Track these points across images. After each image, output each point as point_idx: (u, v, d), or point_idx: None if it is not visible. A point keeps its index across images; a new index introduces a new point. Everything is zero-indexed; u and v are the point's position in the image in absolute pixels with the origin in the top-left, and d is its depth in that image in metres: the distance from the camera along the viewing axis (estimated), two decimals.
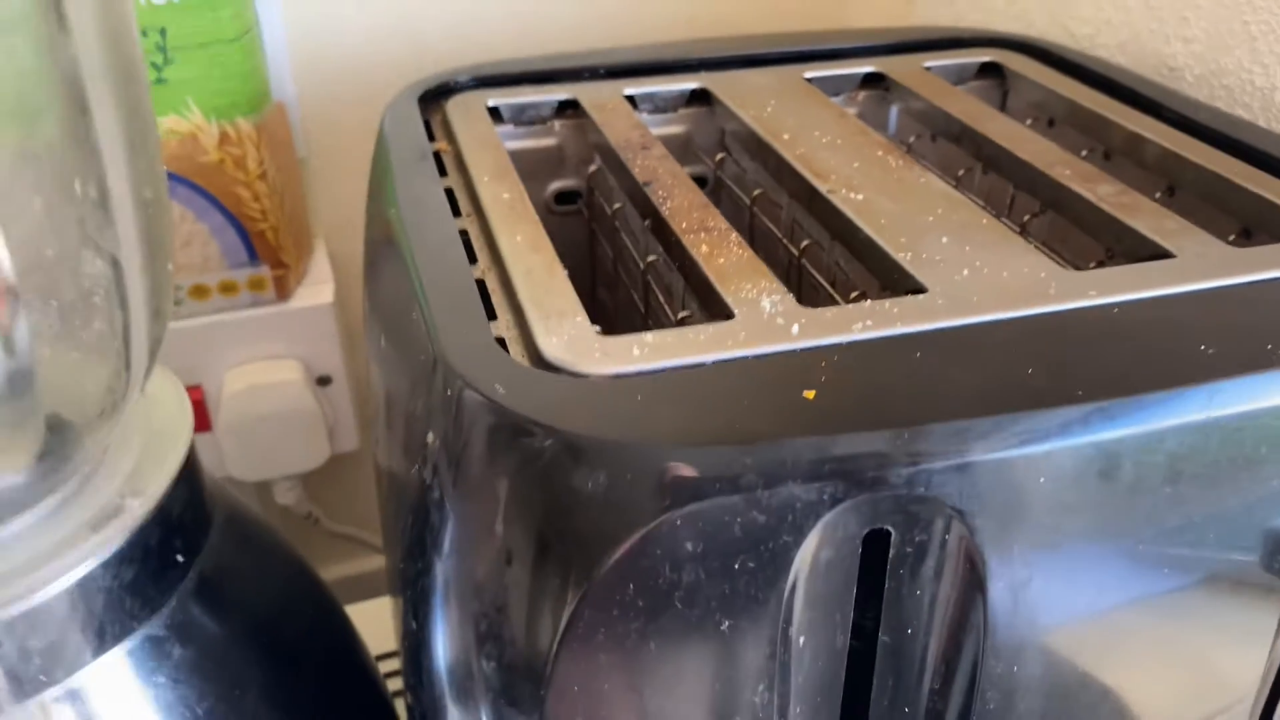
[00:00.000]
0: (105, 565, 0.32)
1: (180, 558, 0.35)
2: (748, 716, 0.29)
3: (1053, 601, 0.30)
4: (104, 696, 0.33)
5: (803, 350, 0.31)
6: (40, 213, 0.26)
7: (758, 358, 0.31)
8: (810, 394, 0.28)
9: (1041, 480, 0.28)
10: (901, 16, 0.78)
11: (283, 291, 0.66)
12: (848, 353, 0.30)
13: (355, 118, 0.71)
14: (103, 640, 0.33)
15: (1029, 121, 0.54)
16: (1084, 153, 0.49)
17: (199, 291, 0.64)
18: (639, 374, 0.30)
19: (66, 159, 0.27)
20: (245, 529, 0.41)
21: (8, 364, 0.26)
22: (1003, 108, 0.57)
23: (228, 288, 0.64)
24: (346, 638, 0.45)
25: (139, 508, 0.33)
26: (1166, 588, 0.31)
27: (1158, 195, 0.45)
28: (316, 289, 0.68)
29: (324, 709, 0.41)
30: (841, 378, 0.29)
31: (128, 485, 0.34)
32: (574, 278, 0.55)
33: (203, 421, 0.67)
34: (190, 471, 0.37)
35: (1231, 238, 0.42)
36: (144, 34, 0.55)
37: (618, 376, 0.30)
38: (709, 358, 0.31)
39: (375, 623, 0.52)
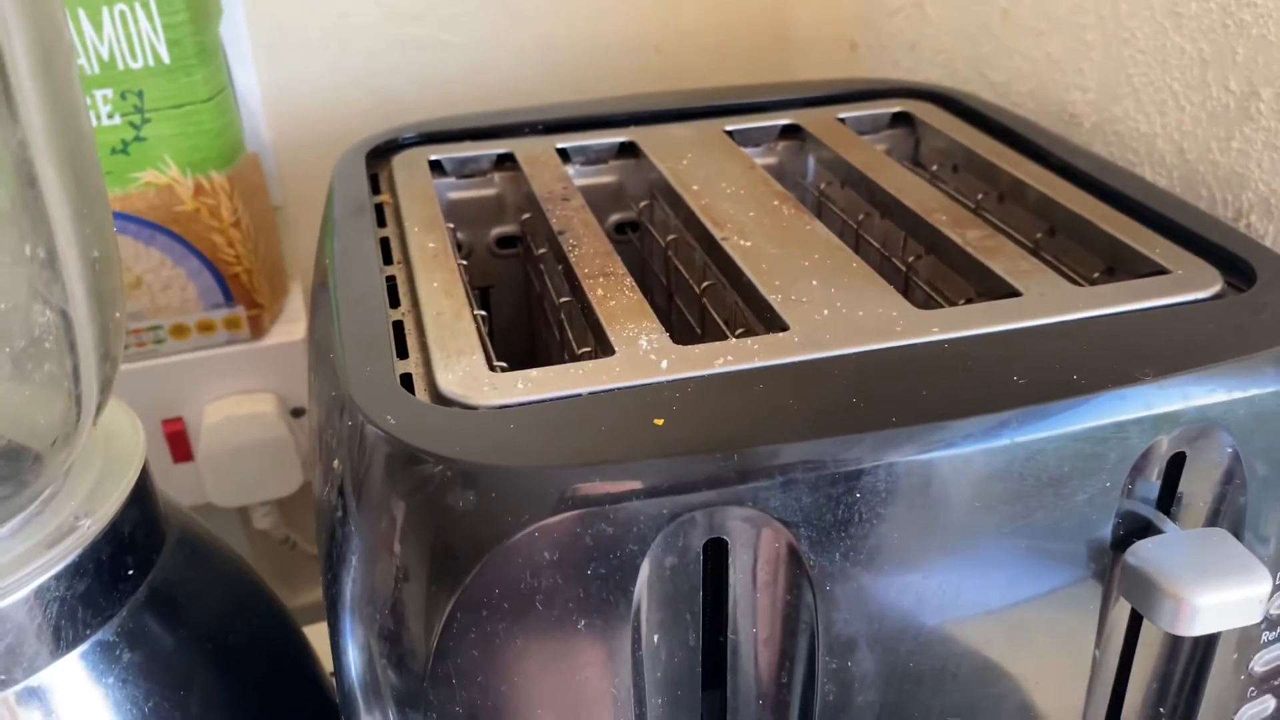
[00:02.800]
0: (58, 578, 0.37)
1: (131, 572, 0.40)
2: (609, 706, 0.33)
3: (876, 602, 0.34)
4: (62, 695, 0.38)
5: (667, 383, 0.35)
6: None
7: (626, 390, 0.35)
8: (659, 421, 0.32)
9: (857, 495, 0.32)
10: (845, 64, 0.83)
11: (257, 330, 0.70)
12: (704, 385, 0.35)
13: (327, 166, 0.76)
14: (58, 644, 0.37)
15: (935, 167, 0.58)
16: (979, 196, 0.54)
17: (179, 331, 0.68)
18: (520, 405, 0.34)
19: (17, 225, 0.32)
20: (197, 546, 0.45)
21: None
22: (915, 154, 0.61)
23: (205, 327, 0.69)
24: (294, 647, 0.50)
25: (90, 526, 0.38)
26: (981, 590, 0.35)
27: (1039, 236, 0.49)
28: (290, 326, 0.73)
29: (268, 712, 0.45)
30: (690, 408, 0.33)
31: (83, 506, 0.39)
32: (515, 316, 0.59)
33: (185, 451, 0.72)
34: (142, 494, 0.41)
35: (1096, 275, 0.46)
36: (123, 96, 0.61)
37: (501, 408, 0.34)
38: (584, 390, 0.35)
39: None
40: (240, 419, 0.71)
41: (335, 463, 0.35)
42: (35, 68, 0.32)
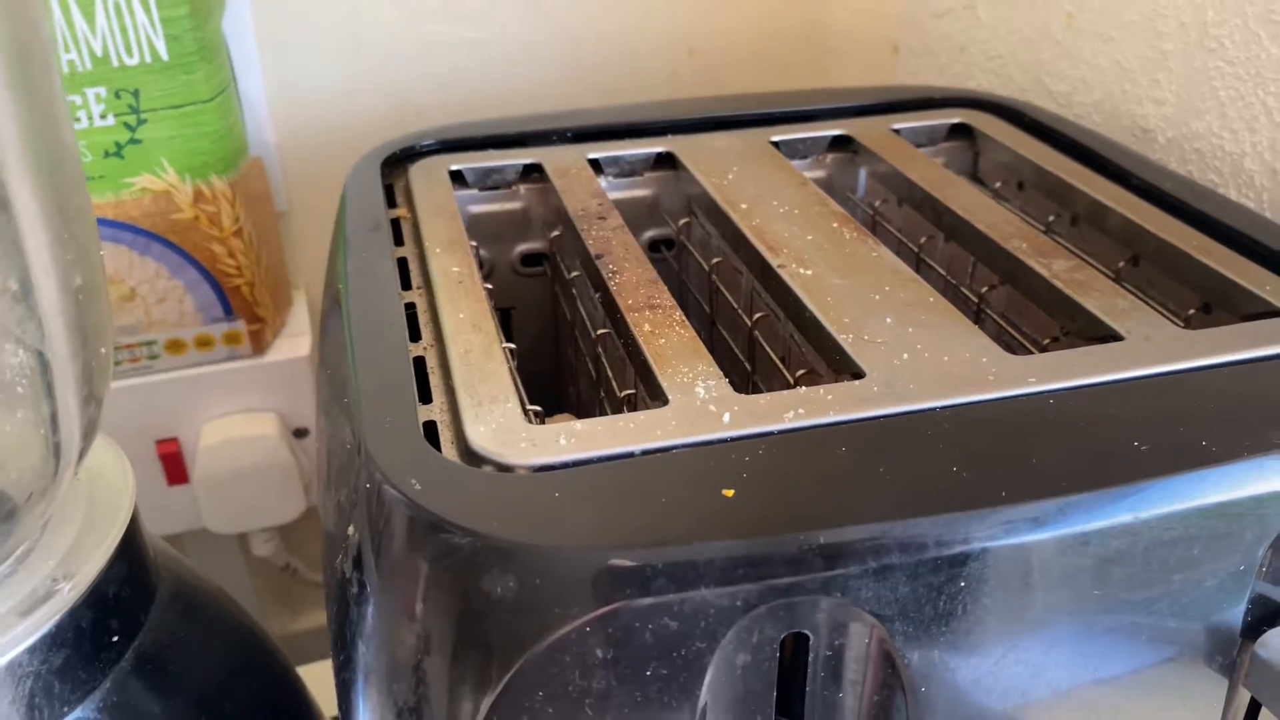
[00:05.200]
0: (32, 651, 0.32)
1: (116, 638, 0.35)
2: None
3: (977, 705, 0.29)
4: None
5: (731, 440, 0.31)
6: None
7: (685, 448, 0.30)
8: (729, 493, 0.28)
9: (961, 584, 0.27)
10: (885, 68, 0.78)
11: (259, 345, 0.66)
12: (775, 445, 0.30)
13: (336, 170, 0.71)
14: None
15: (998, 184, 0.54)
16: (1050, 218, 0.49)
17: (174, 346, 0.64)
18: (564, 465, 0.30)
19: None
20: (192, 599, 0.41)
21: None
22: (974, 169, 0.56)
23: (203, 342, 0.64)
24: (298, 703, 0.45)
25: (69, 591, 0.33)
26: (1099, 686, 0.31)
27: (1121, 265, 0.45)
28: (294, 341, 0.68)
29: None
30: (763, 474, 0.29)
31: (62, 566, 0.34)
32: (540, 338, 0.55)
33: (179, 474, 0.67)
34: (130, 547, 0.37)
35: (1191, 312, 0.42)
36: (117, 95, 0.56)
37: (542, 468, 0.30)
38: (637, 447, 0.30)
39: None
40: (240, 441, 0.66)
41: (350, 529, 0.30)
42: (7, 70, 0.27)
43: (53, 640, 0.33)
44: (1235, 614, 0.31)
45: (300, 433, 0.69)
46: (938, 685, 0.28)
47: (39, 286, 0.29)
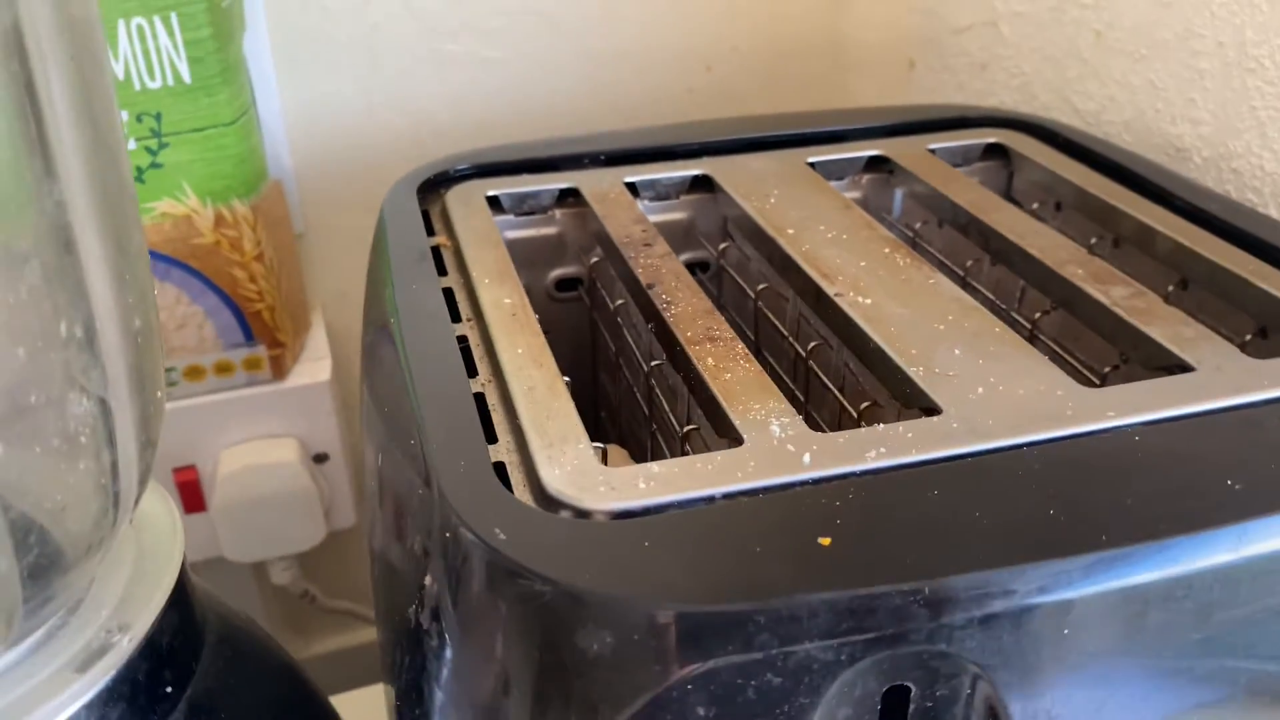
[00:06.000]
0: (90, 707, 0.31)
1: (169, 689, 0.34)
2: None
3: None
4: None
5: (815, 482, 0.30)
6: (24, 361, 0.25)
7: (768, 490, 0.30)
8: (825, 541, 0.27)
9: (1066, 631, 0.27)
10: (901, 85, 0.78)
11: (279, 371, 0.65)
12: (861, 487, 0.29)
13: (354, 191, 0.71)
14: None
15: (1035, 205, 0.53)
16: (1093, 240, 0.49)
17: (194, 373, 0.63)
18: (644, 510, 0.29)
19: (52, 301, 0.26)
20: (237, 645, 0.40)
21: None
22: (1008, 189, 0.56)
23: (223, 368, 0.63)
24: None
25: (127, 644, 0.32)
26: None
27: (1170, 289, 0.44)
28: (314, 365, 0.67)
29: None
30: (856, 519, 0.28)
31: (115, 617, 0.33)
32: (575, 363, 0.54)
33: (197, 503, 0.66)
34: (182, 595, 0.35)
35: (1248, 337, 0.41)
36: (139, 119, 0.55)
37: (622, 514, 0.29)
38: (717, 490, 0.30)
39: (365, 714, 0.51)
40: (260, 467, 0.65)
41: (429, 580, 0.29)
42: (75, 111, 0.26)
43: (109, 695, 0.32)
44: None
45: (320, 458, 0.68)
46: None
47: (103, 331, 0.28)
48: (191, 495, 0.66)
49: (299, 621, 0.82)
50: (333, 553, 0.75)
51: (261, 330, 0.63)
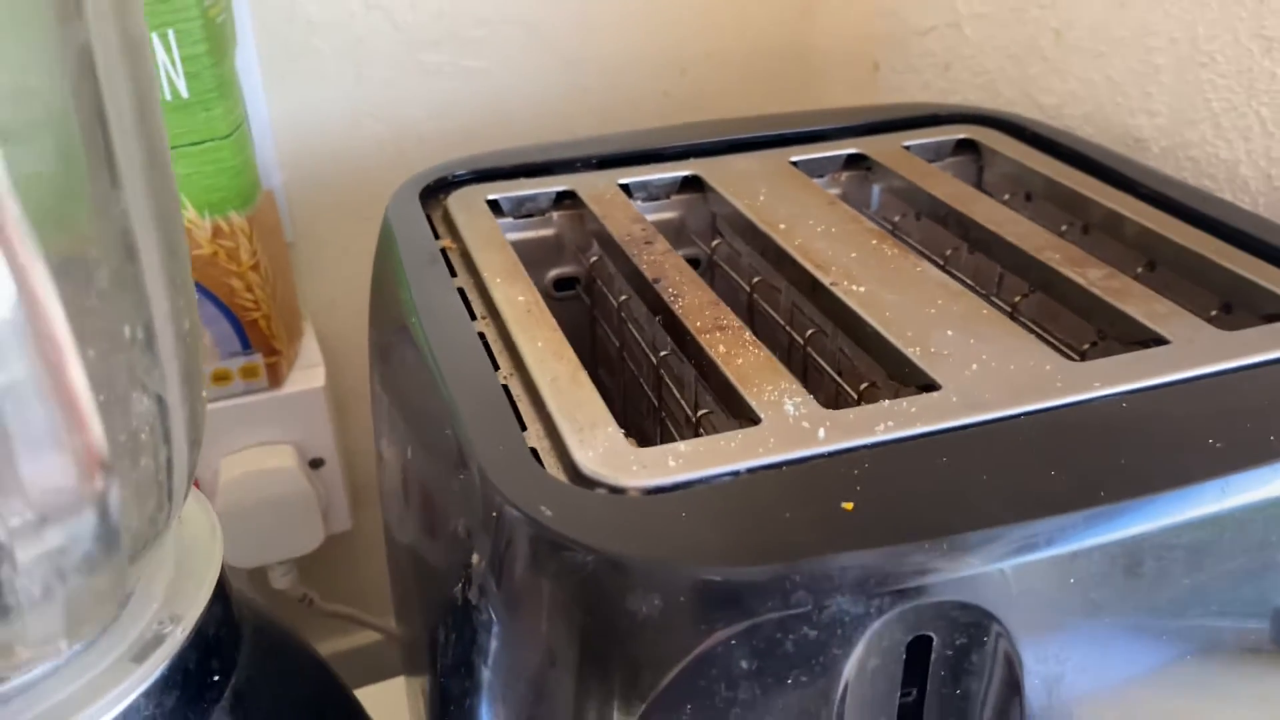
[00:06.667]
0: (147, 695, 0.32)
1: (216, 678, 0.36)
2: None
3: (1084, 690, 0.31)
4: None
5: (831, 454, 0.32)
6: (94, 362, 0.26)
7: (789, 464, 0.32)
8: (849, 505, 0.29)
9: (1071, 580, 0.29)
10: (867, 85, 0.80)
11: (276, 378, 0.66)
12: (875, 457, 0.32)
13: (340, 200, 0.72)
14: None
15: (1006, 196, 0.56)
16: (1063, 228, 0.51)
17: None
18: (675, 486, 0.31)
19: (117, 306, 0.28)
20: (272, 636, 0.41)
21: (101, 532, 0.26)
22: (979, 182, 0.59)
23: (221, 377, 0.64)
24: None
25: (179, 634, 0.33)
26: (1187, 666, 0.33)
27: (1139, 270, 0.47)
28: (308, 373, 0.68)
29: None
30: (875, 486, 0.30)
31: (165, 610, 0.34)
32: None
33: None
34: (222, 588, 0.37)
35: (1213, 313, 0.44)
36: None
37: (655, 490, 0.31)
38: (742, 466, 0.32)
39: (379, 707, 0.52)
40: (259, 474, 0.66)
41: (475, 558, 0.31)
42: (135, 124, 0.28)
43: (165, 683, 0.33)
44: None
45: (316, 463, 0.69)
46: (1048, 675, 0.30)
47: (160, 332, 0.30)
48: None
49: (298, 625, 0.83)
50: (329, 557, 0.76)
51: (258, 339, 0.64)
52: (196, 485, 0.65)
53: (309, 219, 0.72)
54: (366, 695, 0.63)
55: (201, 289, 0.61)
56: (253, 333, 0.64)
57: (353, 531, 0.73)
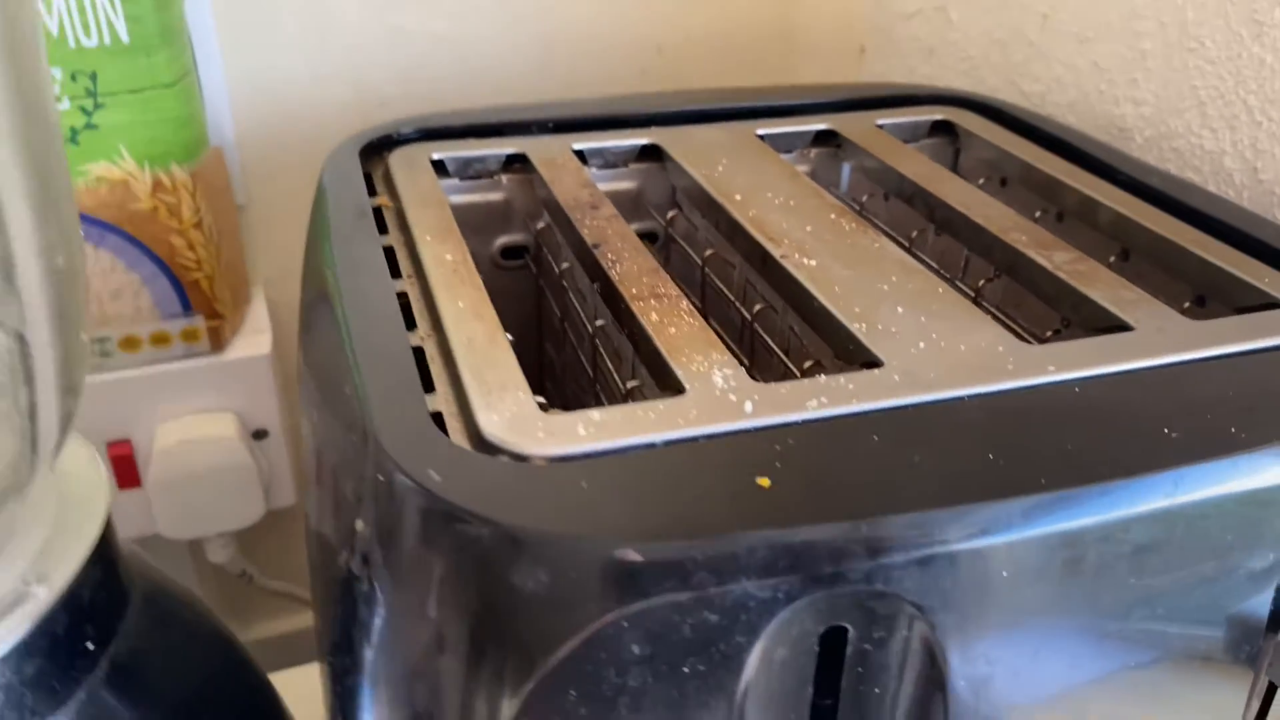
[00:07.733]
0: (4, 660, 0.30)
1: (91, 645, 0.33)
2: None
3: (1014, 694, 0.29)
4: None
5: (756, 430, 0.30)
6: None
7: (709, 438, 0.29)
8: (764, 481, 0.27)
9: (1004, 573, 0.27)
10: (851, 70, 0.78)
11: (217, 343, 0.63)
12: (802, 434, 0.29)
13: (297, 163, 0.69)
14: None
15: (981, 180, 0.54)
16: (1037, 214, 0.49)
17: (129, 343, 0.61)
18: (584, 455, 0.29)
19: None
20: (167, 606, 0.38)
21: None
22: (955, 165, 0.56)
23: (160, 339, 0.62)
24: (276, 713, 0.43)
25: (45, 595, 0.31)
26: (1131, 673, 0.30)
27: (1112, 259, 0.45)
28: (253, 339, 0.65)
29: None
30: (796, 463, 0.28)
31: (34, 568, 0.32)
32: (520, 333, 0.53)
33: (131, 478, 0.64)
34: (106, 549, 0.34)
35: (1186, 304, 0.42)
36: (73, 78, 0.53)
37: (561, 459, 0.28)
38: (658, 438, 0.29)
39: (307, 693, 0.49)
40: (197, 442, 0.63)
41: (359, 524, 0.28)
42: None
43: (26, 648, 0.30)
44: (1263, 603, 0.30)
45: (260, 434, 0.67)
46: (976, 676, 0.28)
47: (22, 264, 0.27)
48: (126, 470, 0.64)
49: (237, 603, 0.80)
50: (271, 533, 0.73)
51: (199, 300, 0.61)
52: (129, 450, 0.63)
53: (263, 182, 0.69)
54: (295, 676, 0.61)
55: (140, 245, 0.58)
56: (194, 294, 0.61)
57: (296, 507, 0.71)
